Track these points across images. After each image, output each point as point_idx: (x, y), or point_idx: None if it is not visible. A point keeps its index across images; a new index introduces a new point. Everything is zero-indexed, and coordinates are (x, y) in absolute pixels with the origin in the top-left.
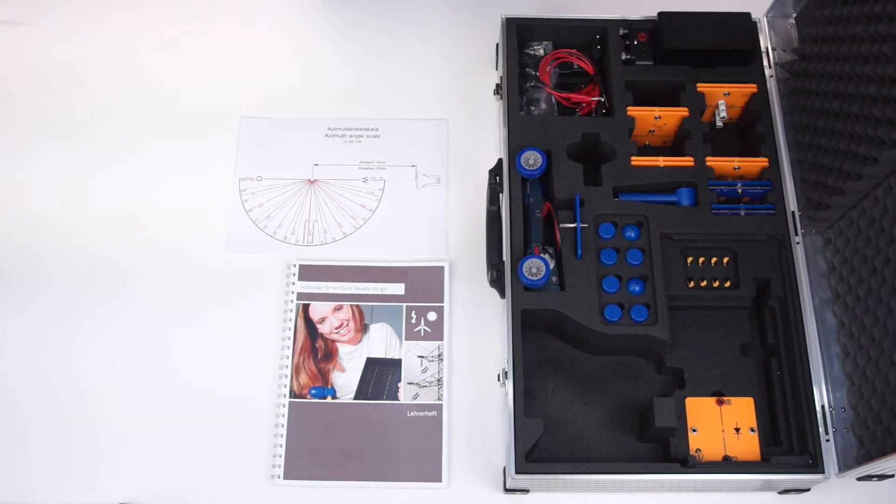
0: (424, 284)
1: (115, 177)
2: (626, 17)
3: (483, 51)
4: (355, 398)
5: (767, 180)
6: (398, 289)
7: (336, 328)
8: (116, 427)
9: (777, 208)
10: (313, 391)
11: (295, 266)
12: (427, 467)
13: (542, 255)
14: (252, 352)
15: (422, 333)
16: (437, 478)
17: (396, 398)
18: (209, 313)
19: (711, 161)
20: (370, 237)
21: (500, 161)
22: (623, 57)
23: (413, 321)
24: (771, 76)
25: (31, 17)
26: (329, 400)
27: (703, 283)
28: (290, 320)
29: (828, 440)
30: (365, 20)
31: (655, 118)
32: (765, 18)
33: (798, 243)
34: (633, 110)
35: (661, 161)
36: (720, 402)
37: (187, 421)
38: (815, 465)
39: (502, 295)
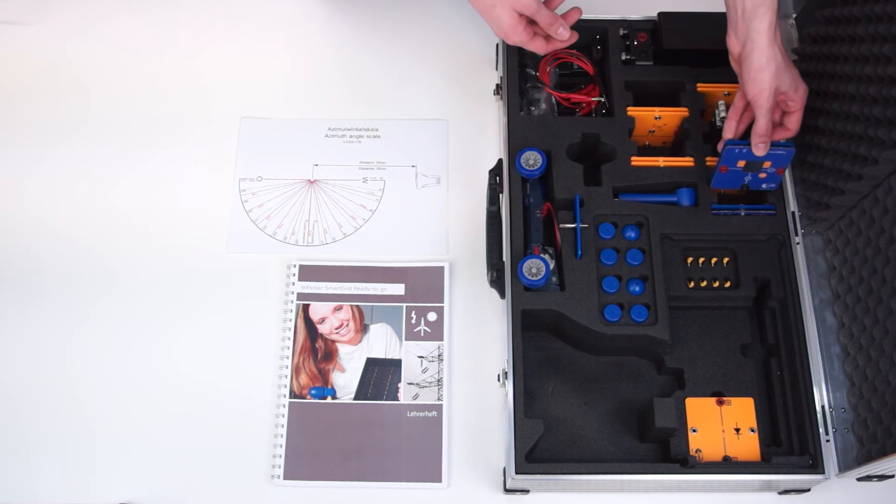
0: (424, 285)
1: (115, 177)
2: (626, 18)
3: (483, 51)
4: (355, 398)
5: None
6: (398, 289)
7: (336, 328)
8: (116, 427)
9: (777, 208)
10: (313, 391)
11: (295, 266)
12: (427, 467)
13: (542, 255)
14: (252, 352)
15: (422, 334)
16: (437, 478)
17: (396, 398)
18: (209, 314)
19: (711, 161)
20: (370, 237)
21: (500, 161)
22: (623, 57)
23: (413, 321)
24: None
25: (31, 17)
26: (329, 400)
27: (703, 284)
28: (290, 320)
29: (828, 440)
30: (365, 20)
31: (655, 118)
32: None
33: (798, 243)
34: (633, 110)
35: (661, 161)
36: (720, 403)
37: (187, 421)
38: (816, 466)
39: (502, 295)
